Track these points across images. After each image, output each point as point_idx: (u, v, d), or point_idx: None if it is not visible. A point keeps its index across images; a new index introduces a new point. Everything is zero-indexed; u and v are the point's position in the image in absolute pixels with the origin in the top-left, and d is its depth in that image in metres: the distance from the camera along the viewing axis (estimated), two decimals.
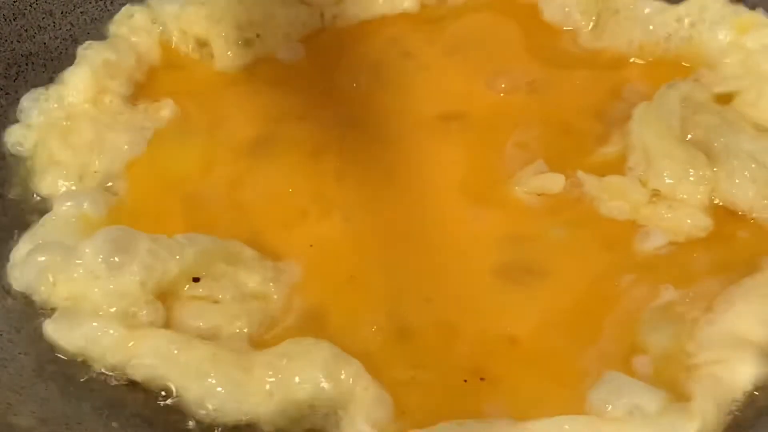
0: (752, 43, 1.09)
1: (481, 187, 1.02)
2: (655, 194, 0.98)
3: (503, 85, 1.12)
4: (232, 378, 0.83)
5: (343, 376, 0.83)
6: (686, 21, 1.13)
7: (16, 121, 1.08)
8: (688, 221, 0.96)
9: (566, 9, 1.18)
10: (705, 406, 0.79)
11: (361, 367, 0.84)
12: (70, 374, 0.87)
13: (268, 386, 0.83)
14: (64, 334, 0.88)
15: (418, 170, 1.05)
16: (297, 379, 0.83)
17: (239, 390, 0.83)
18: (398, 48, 1.18)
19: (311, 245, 0.98)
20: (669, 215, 0.96)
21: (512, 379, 0.86)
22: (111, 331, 0.86)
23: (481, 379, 0.85)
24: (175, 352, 0.84)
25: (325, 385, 0.83)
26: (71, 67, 1.10)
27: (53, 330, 0.88)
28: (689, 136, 1.01)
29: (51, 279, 0.91)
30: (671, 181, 0.97)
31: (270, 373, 0.83)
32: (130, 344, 0.85)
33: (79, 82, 1.08)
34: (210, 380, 0.83)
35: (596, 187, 1.00)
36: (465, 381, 0.86)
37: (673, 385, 0.82)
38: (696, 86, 1.06)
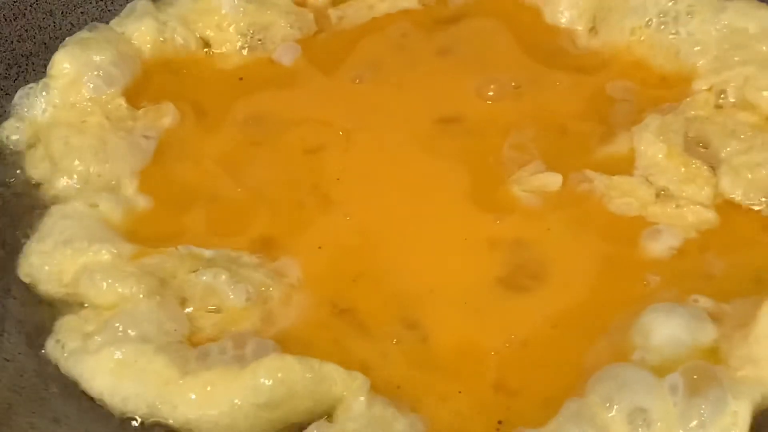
0: (753, 28, 1.08)
1: (483, 190, 1.02)
2: (662, 192, 0.99)
3: (493, 90, 1.11)
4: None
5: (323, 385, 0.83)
6: (681, 5, 1.12)
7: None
8: (695, 216, 0.96)
9: (562, 9, 1.18)
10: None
11: (326, 364, 0.83)
12: None
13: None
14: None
15: (416, 173, 1.04)
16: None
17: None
18: (397, 50, 1.18)
19: (319, 247, 0.97)
20: (676, 212, 0.97)
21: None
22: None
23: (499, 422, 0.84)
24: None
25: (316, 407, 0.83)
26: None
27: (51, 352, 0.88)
28: (694, 144, 1.02)
29: (59, 280, 0.92)
30: (677, 187, 0.99)
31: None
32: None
33: (59, 64, 1.07)
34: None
35: (605, 184, 1.00)
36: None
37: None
38: (700, 99, 1.05)
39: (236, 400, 0.81)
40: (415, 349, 0.89)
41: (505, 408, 0.84)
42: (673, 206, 0.97)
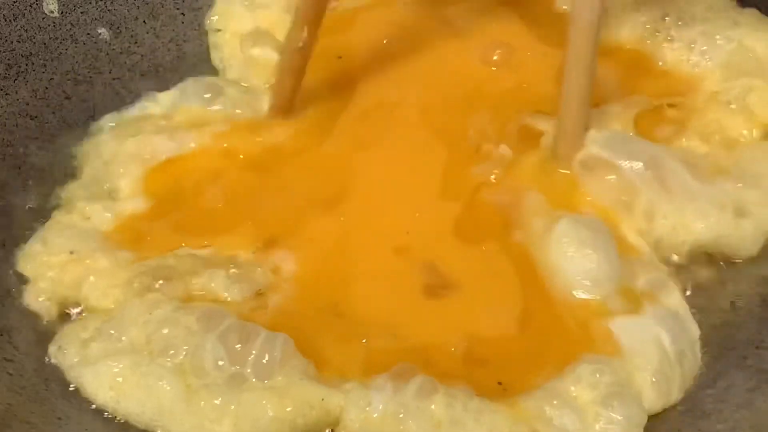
0: (761, 49, 1.07)
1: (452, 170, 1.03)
2: None
3: (497, 55, 1.13)
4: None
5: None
6: (697, 8, 1.11)
7: None
8: None
9: None
10: None
11: (328, 395, 0.83)
12: None
13: None
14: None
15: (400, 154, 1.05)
16: None
17: None
18: (394, 30, 1.18)
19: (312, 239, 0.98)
20: None
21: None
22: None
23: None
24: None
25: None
26: None
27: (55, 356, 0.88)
28: None
29: (58, 285, 0.92)
30: None
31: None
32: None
33: None
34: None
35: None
36: None
37: None
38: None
39: None
40: (381, 346, 0.88)
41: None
42: None
